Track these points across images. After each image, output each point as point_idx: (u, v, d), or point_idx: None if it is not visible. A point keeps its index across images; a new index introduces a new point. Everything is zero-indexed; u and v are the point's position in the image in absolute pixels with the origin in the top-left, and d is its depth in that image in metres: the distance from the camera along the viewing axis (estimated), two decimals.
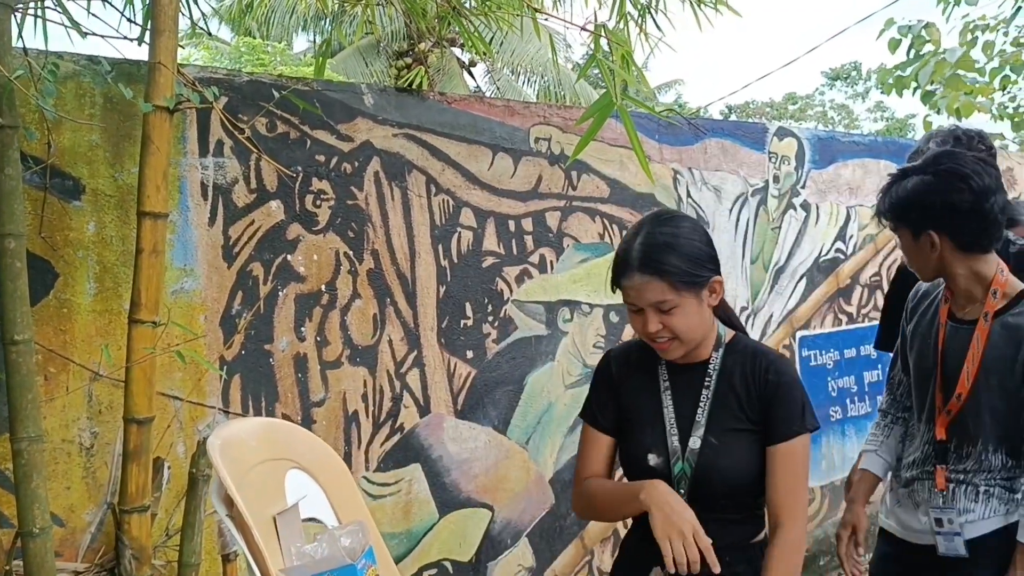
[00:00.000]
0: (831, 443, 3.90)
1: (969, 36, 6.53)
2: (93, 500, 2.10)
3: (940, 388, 1.92)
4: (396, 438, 2.61)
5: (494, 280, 2.82)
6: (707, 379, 1.60)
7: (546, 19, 2.83)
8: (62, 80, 2.01)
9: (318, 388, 2.46)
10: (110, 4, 2.07)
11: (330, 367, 2.48)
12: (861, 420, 3.99)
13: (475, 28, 2.87)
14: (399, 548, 2.61)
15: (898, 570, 2.04)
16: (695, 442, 1.57)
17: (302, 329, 2.42)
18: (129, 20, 2.11)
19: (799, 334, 3.79)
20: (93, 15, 2.00)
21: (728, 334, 1.65)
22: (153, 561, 1.97)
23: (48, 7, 1.90)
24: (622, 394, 1.67)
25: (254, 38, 12.15)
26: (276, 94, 2.33)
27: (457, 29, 2.85)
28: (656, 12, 2.49)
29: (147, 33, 1.94)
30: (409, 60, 11.65)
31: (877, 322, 2.66)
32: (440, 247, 2.70)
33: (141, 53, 1.96)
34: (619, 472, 1.73)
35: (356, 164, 2.52)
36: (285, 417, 2.38)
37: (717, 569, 1.45)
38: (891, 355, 2.41)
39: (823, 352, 3.90)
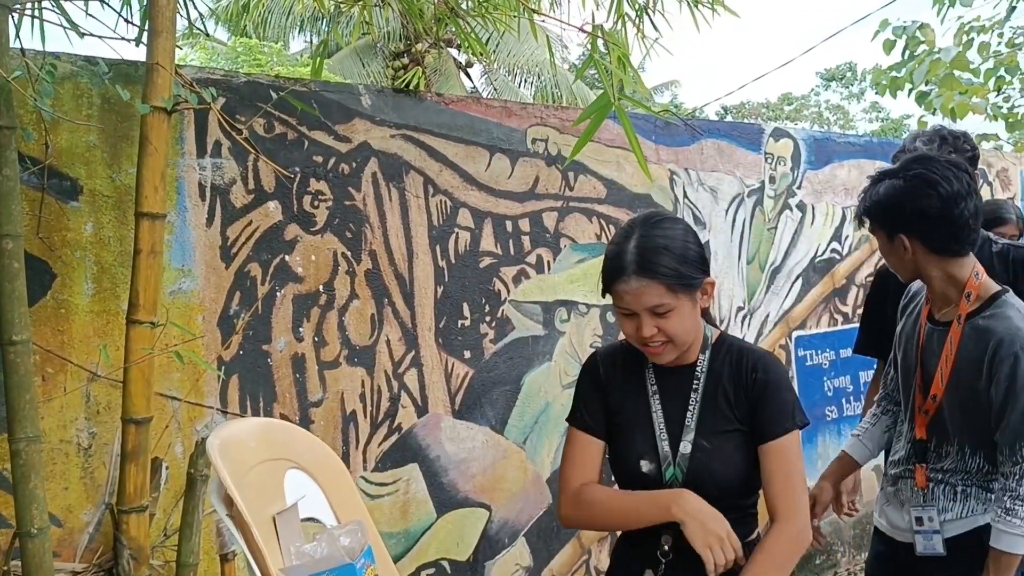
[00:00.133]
0: (827, 443, 3.91)
1: (964, 38, 6.56)
2: (91, 500, 2.10)
3: (920, 388, 1.96)
4: (394, 438, 2.62)
5: (491, 280, 2.82)
6: (695, 381, 1.58)
7: (543, 20, 2.83)
8: (60, 81, 2.01)
9: (316, 388, 2.46)
10: (108, 5, 2.07)
11: (328, 367, 2.48)
12: (857, 420, 3.97)
13: (472, 29, 2.88)
14: (397, 548, 2.61)
15: (890, 568, 2.06)
16: (685, 446, 1.55)
17: (300, 329, 2.43)
18: (127, 21, 2.11)
19: (795, 334, 3.81)
20: (91, 16, 2.00)
21: (714, 334, 1.63)
22: (151, 561, 1.97)
23: (45, 7, 1.90)
24: (610, 397, 1.64)
25: (250, 39, 12.14)
26: (274, 95, 2.33)
27: (454, 30, 2.85)
28: (653, 12, 2.50)
29: (145, 34, 1.95)
30: (406, 61, 11.65)
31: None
32: (438, 247, 2.70)
33: (139, 54, 1.97)
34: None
35: (354, 165, 2.53)
36: (283, 417, 2.38)
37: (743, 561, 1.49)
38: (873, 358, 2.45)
39: (819, 352, 3.91)
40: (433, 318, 2.69)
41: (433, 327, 2.69)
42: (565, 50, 15.16)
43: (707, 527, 1.46)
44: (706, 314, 1.66)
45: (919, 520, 1.93)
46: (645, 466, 1.57)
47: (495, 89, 13.64)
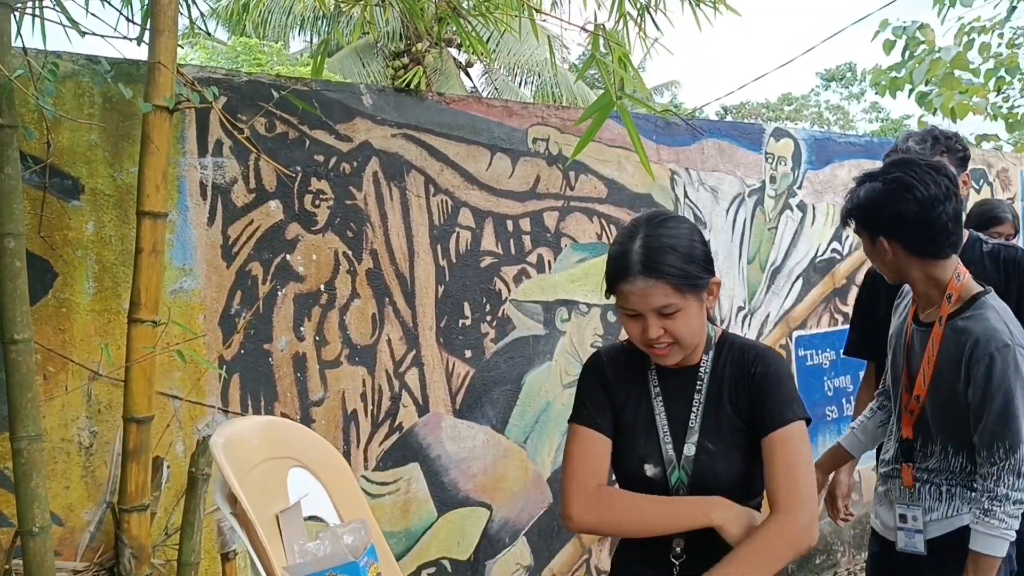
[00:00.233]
0: (828, 442, 3.91)
1: (965, 38, 6.56)
2: (92, 499, 2.10)
3: (906, 388, 1.97)
4: (395, 437, 2.62)
5: (492, 280, 2.82)
6: (699, 382, 1.55)
7: (544, 20, 2.83)
8: (61, 80, 2.01)
9: (317, 387, 2.46)
10: (109, 4, 2.07)
11: (329, 366, 2.48)
12: None
13: (473, 28, 2.88)
14: (398, 547, 2.61)
15: (884, 569, 2.08)
16: (690, 449, 1.52)
17: (301, 329, 2.43)
18: (128, 20, 2.11)
19: (795, 334, 3.81)
20: (92, 14, 2.00)
21: (716, 333, 1.60)
22: (152, 560, 1.98)
23: (47, 6, 1.90)
24: (614, 397, 1.60)
25: (250, 38, 12.14)
26: (275, 94, 2.33)
27: (455, 29, 2.86)
28: (655, 11, 2.50)
29: (146, 33, 1.95)
30: (406, 61, 11.64)
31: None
32: (439, 247, 2.70)
33: (140, 53, 1.97)
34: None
35: (355, 164, 2.53)
36: (284, 416, 2.38)
37: None
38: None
39: (819, 352, 3.92)
40: (434, 317, 2.70)
41: (434, 326, 2.70)
42: (565, 50, 15.15)
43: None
44: (707, 314, 1.63)
45: (903, 518, 1.95)
46: (649, 470, 1.54)
47: (496, 89, 13.64)
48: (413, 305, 2.65)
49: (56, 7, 1.88)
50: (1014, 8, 6.43)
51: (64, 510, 2.06)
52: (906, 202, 1.80)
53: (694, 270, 1.45)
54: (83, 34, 1.94)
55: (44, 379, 2.01)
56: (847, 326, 4.14)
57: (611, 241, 1.57)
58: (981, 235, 2.34)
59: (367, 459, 2.56)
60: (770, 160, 3.67)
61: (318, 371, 2.46)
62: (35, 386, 1.76)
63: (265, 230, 2.37)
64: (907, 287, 2.09)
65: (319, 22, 12.24)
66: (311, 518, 1.33)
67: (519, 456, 2.90)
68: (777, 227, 3.71)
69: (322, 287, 2.47)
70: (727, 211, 3.52)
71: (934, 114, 6.52)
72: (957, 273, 1.86)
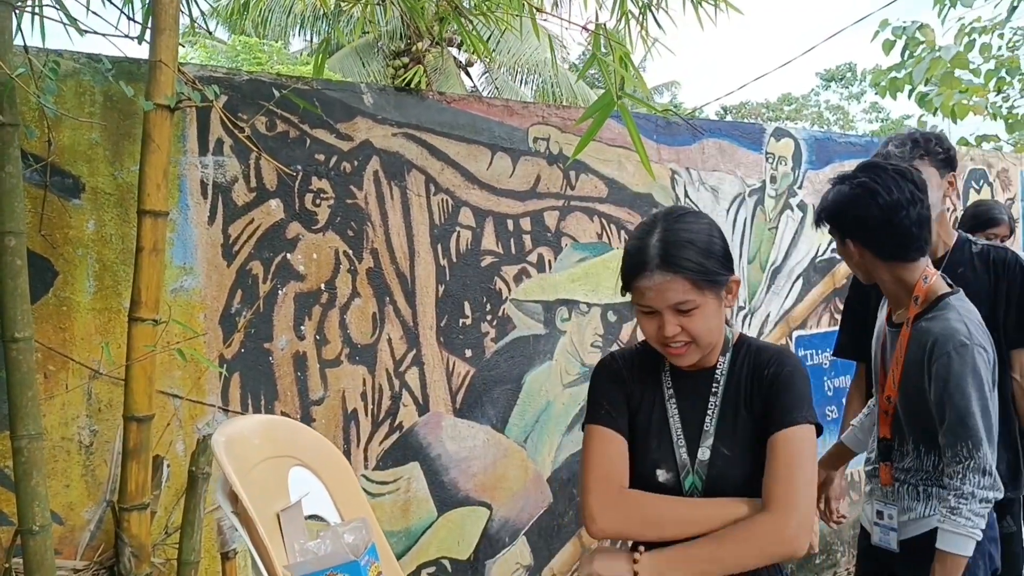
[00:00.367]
0: (827, 442, 3.89)
1: (966, 39, 6.56)
2: (93, 498, 2.10)
3: (882, 389, 2.00)
4: (395, 436, 2.62)
5: (493, 279, 2.82)
6: (715, 384, 1.50)
7: (545, 19, 2.83)
8: (62, 78, 2.01)
9: (317, 386, 2.46)
10: (111, 2, 2.07)
11: (329, 366, 2.48)
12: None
13: (474, 27, 2.87)
14: (398, 546, 2.61)
15: (865, 562, 2.11)
16: (704, 452, 1.47)
17: (301, 328, 2.43)
18: (129, 18, 2.11)
19: (795, 334, 3.81)
20: (94, 13, 2.00)
21: (734, 335, 1.55)
22: (152, 559, 1.98)
23: (46, 4, 1.90)
24: (630, 399, 1.54)
25: (250, 37, 12.13)
26: (276, 93, 2.33)
27: (456, 28, 2.85)
28: (657, 10, 2.49)
29: (147, 31, 1.95)
30: (406, 60, 11.64)
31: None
32: (439, 246, 2.70)
33: (141, 51, 1.97)
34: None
35: (355, 163, 2.53)
36: (284, 415, 2.38)
37: None
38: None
39: (819, 352, 3.91)
40: (434, 317, 2.69)
41: (434, 326, 2.69)
42: (564, 50, 15.15)
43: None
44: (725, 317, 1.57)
45: (879, 514, 1.98)
46: (661, 475, 1.48)
47: (496, 88, 13.63)
48: (413, 304, 2.65)
49: (56, 5, 1.88)
50: (1014, 8, 6.43)
51: (64, 509, 2.06)
52: (869, 207, 1.83)
53: (713, 266, 1.41)
54: (82, 32, 1.94)
55: (44, 378, 2.01)
56: None
57: (627, 237, 1.53)
58: (971, 236, 2.35)
59: (367, 458, 2.56)
60: (770, 160, 3.67)
61: (318, 370, 2.46)
62: (35, 384, 1.76)
63: (266, 229, 2.37)
64: None
65: (319, 21, 12.23)
66: (312, 517, 1.33)
67: (519, 456, 2.90)
68: (777, 227, 3.71)
69: (322, 286, 2.47)
70: (727, 211, 3.52)
71: (934, 114, 6.52)
72: (925, 275, 1.89)
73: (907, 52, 6.61)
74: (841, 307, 3.99)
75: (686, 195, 3.37)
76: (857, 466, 3.53)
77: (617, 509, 1.44)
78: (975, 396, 1.75)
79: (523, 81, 13.45)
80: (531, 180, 2.91)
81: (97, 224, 2.09)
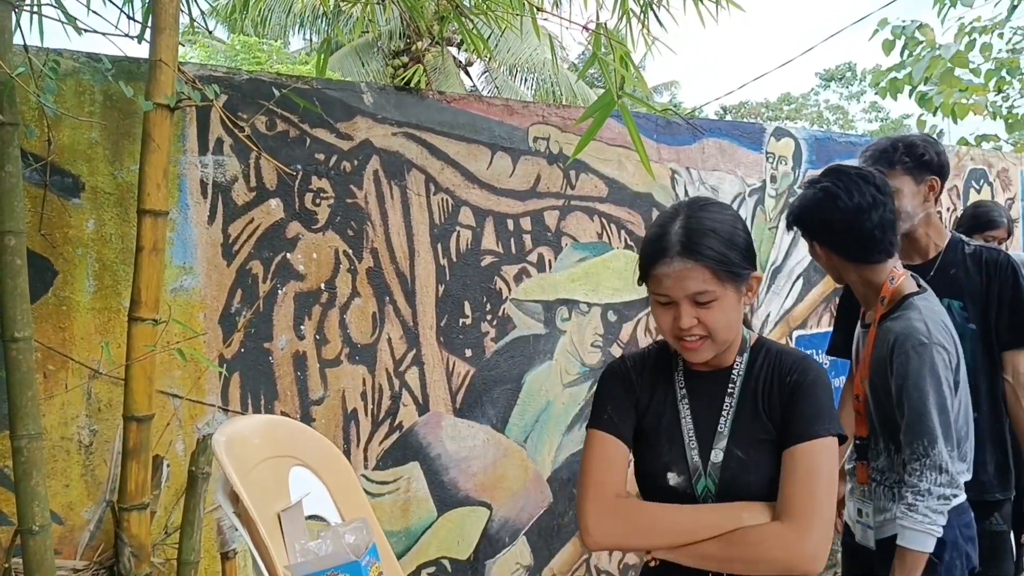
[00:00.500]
0: None
1: (966, 39, 6.55)
2: (92, 498, 2.09)
3: (857, 388, 2.03)
4: (395, 436, 2.62)
5: (493, 279, 2.82)
6: (731, 385, 1.44)
7: (545, 18, 2.83)
8: (62, 77, 2.01)
9: (317, 386, 2.46)
10: (111, 2, 2.06)
11: (329, 365, 2.48)
12: None
13: (474, 26, 2.87)
14: (398, 546, 2.61)
15: (854, 564, 2.13)
16: (717, 455, 1.41)
17: (301, 327, 2.42)
18: (129, 17, 2.11)
19: (795, 333, 3.81)
20: (94, 12, 2.00)
21: (752, 337, 1.49)
22: (152, 559, 1.97)
23: (46, 3, 1.89)
24: (638, 402, 1.49)
25: (249, 37, 12.12)
26: (276, 92, 2.33)
27: (456, 28, 2.85)
28: (658, 8, 2.49)
29: (147, 30, 1.94)
30: (406, 59, 11.64)
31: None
32: (439, 246, 2.70)
33: (141, 51, 1.97)
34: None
35: (355, 163, 2.52)
36: (284, 415, 2.38)
37: None
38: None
39: (819, 351, 3.91)
40: (434, 316, 2.69)
41: (434, 325, 2.69)
42: (563, 50, 15.16)
43: None
44: (744, 318, 1.52)
45: (859, 512, 2.02)
46: (672, 479, 1.43)
47: (496, 87, 13.62)
48: (413, 304, 2.65)
49: (55, 4, 1.88)
50: (1014, 7, 6.42)
51: (64, 508, 2.05)
52: (830, 211, 1.87)
53: (735, 257, 1.36)
54: (81, 32, 1.94)
55: (44, 377, 2.00)
56: None
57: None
58: (964, 237, 2.35)
59: (367, 458, 2.56)
60: (771, 159, 3.67)
61: (318, 370, 2.46)
62: (35, 384, 1.76)
63: (265, 228, 2.36)
64: None
65: (319, 20, 12.22)
66: (313, 517, 1.33)
67: (519, 455, 2.90)
68: (778, 227, 3.71)
69: (322, 286, 2.46)
70: None
71: (934, 114, 6.52)
72: (892, 276, 1.92)
73: (906, 52, 6.60)
74: None
75: (686, 195, 3.36)
76: None
77: (612, 519, 1.39)
78: (932, 394, 1.77)
79: (523, 80, 13.44)
80: (531, 180, 2.91)
81: (97, 223, 2.09)
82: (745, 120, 12.35)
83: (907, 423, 1.79)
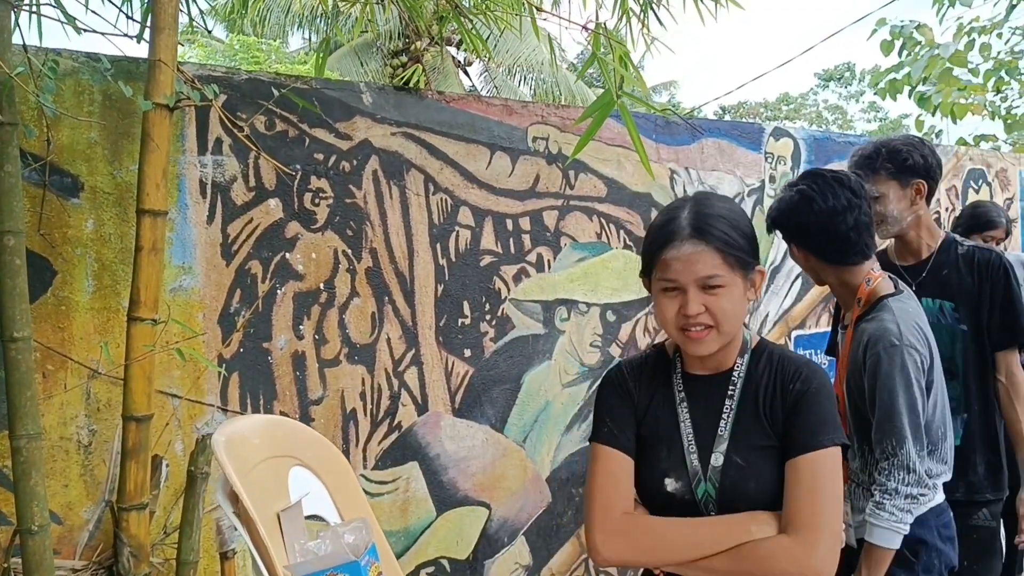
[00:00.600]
0: None
1: (965, 38, 6.56)
2: (91, 498, 2.09)
3: (836, 389, 2.05)
4: (394, 436, 2.62)
5: (492, 279, 2.82)
6: (731, 388, 1.42)
7: (544, 18, 2.83)
8: (61, 77, 2.01)
9: (316, 386, 2.46)
10: (110, 1, 2.06)
11: (328, 365, 2.48)
12: None
13: (473, 26, 2.87)
14: (396, 546, 2.61)
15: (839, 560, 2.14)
16: (717, 459, 1.39)
17: (300, 327, 2.42)
18: (128, 17, 2.11)
19: (794, 333, 3.81)
20: (93, 12, 2.00)
21: (753, 339, 1.47)
22: (151, 559, 1.97)
23: (45, 3, 1.89)
24: (636, 409, 1.47)
25: (248, 36, 12.12)
26: (275, 92, 2.33)
27: (455, 27, 2.85)
28: (658, 7, 2.49)
29: (147, 30, 1.94)
30: (404, 59, 11.64)
31: None
32: (438, 246, 2.70)
33: (140, 51, 1.97)
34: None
35: (355, 163, 2.52)
36: (283, 415, 2.38)
37: None
38: None
39: (818, 352, 3.91)
40: (433, 316, 2.69)
41: (433, 325, 2.69)
42: (562, 51, 15.17)
43: None
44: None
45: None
46: (670, 484, 1.41)
47: (495, 87, 13.63)
48: (412, 304, 2.65)
49: (54, 4, 1.88)
50: (1013, 7, 6.43)
51: (63, 508, 2.05)
52: (805, 214, 1.90)
53: (744, 244, 1.36)
54: (79, 31, 1.94)
55: (43, 377, 2.00)
56: None
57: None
58: (957, 237, 2.35)
59: (366, 458, 2.56)
60: (769, 159, 3.68)
61: (317, 370, 2.46)
62: (34, 384, 1.76)
63: (265, 228, 2.36)
64: None
65: (317, 20, 12.22)
66: (312, 517, 1.33)
67: (518, 455, 2.90)
68: None
69: (321, 286, 2.46)
70: None
71: (933, 114, 6.52)
72: (868, 277, 1.94)
73: (905, 52, 6.61)
74: None
75: (685, 195, 3.36)
76: None
77: (620, 539, 1.37)
78: (902, 395, 1.79)
79: (522, 80, 13.45)
80: (530, 180, 2.91)
81: (96, 223, 2.09)
82: (744, 120, 12.37)
83: (877, 423, 1.82)
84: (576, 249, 3.03)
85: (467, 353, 2.77)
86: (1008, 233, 3.53)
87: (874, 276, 1.94)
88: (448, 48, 12.68)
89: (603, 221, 3.10)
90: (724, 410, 1.42)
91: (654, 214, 3.14)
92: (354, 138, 2.52)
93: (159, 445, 2.13)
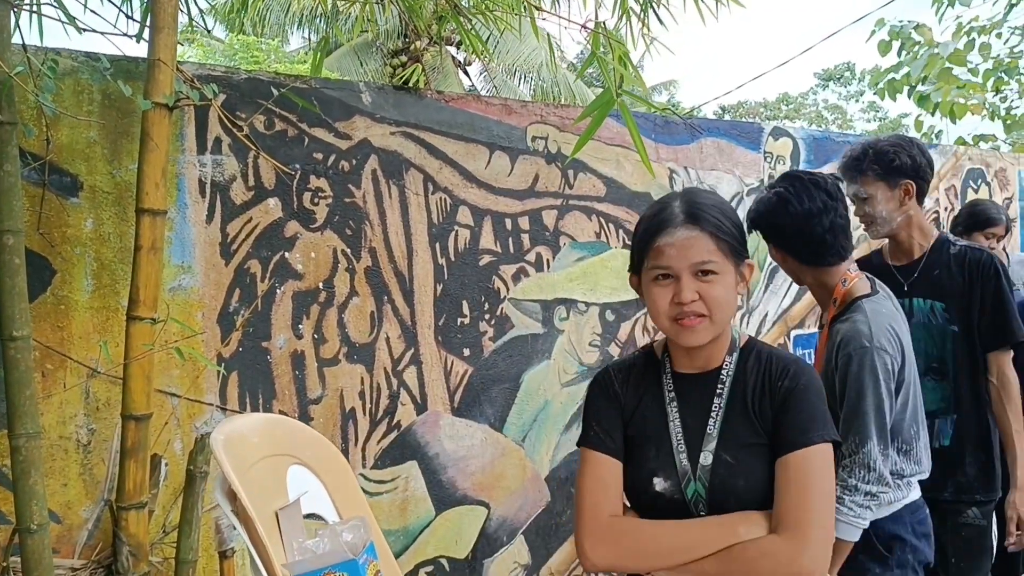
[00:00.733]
0: None
1: (965, 38, 6.57)
2: (90, 497, 2.10)
3: None
4: (393, 435, 2.62)
5: (491, 278, 2.82)
6: (719, 386, 1.41)
7: (544, 18, 2.83)
8: (60, 77, 2.01)
9: (315, 385, 2.46)
10: (109, 1, 2.06)
11: (327, 364, 2.48)
12: None
13: (472, 26, 2.88)
14: (395, 545, 2.61)
15: None
16: (706, 457, 1.37)
17: (300, 327, 2.43)
18: (128, 16, 2.11)
19: (793, 333, 3.81)
20: (92, 11, 2.00)
21: (741, 337, 1.47)
22: (150, 558, 1.98)
23: (44, 3, 1.90)
24: (624, 410, 1.46)
25: (248, 36, 12.12)
26: (274, 92, 2.33)
27: (454, 27, 2.86)
28: (658, 6, 2.50)
29: (146, 30, 1.94)
30: (404, 59, 11.64)
31: None
32: (437, 245, 2.70)
33: (140, 50, 1.97)
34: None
35: (354, 162, 2.53)
36: (282, 414, 2.38)
37: None
38: None
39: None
40: (432, 316, 2.69)
41: (432, 325, 2.69)
42: (561, 52, 15.16)
43: None
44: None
45: None
46: (659, 484, 1.39)
47: (495, 87, 13.63)
48: (412, 303, 2.65)
49: (54, 3, 1.88)
50: (1012, 7, 6.43)
51: (62, 507, 2.05)
52: (783, 216, 1.92)
53: (736, 232, 1.38)
54: (80, 31, 1.94)
55: (42, 376, 2.01)
56: None
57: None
58: (951, 236, 2.35)
59: (365, 457, 2.56)
60: (769, 159, 3.68)
61: (316, 369, 2.46)
62: (33, 383, 1.76)
63: (264, 228, 2.36)
64: None
65: (317, 19, 12.22)
66: (310, 516, 1.33)
67: (517, 455, 2.90)
68: None
69: (321, 285, 2.47)
70: None
71: (932, 113, 6.53)
72: (844, 278, 1.96)
73: (904, 52, 6.62)
74: None
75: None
76: None
77: (608, 544, 1.36)
78: (870, 395, 1.81)
79: (521, 80, 13.45)
80: (529, 179, 2.91)
81: (95, 223, 2.09)
82: (743, 120, 12.37)
83: (843, 420, 1.84)
84: (575, 248, 3.04)
85: (466, 352, 2.77)
86: (1008, 231, 3.53)
87: (850, 277, 1.96)
88: (448, 48, 12.68)
89: (602, 220, 3.11)
90: (713, 409, 1.41)
91: None
92: (353, 137, 2.52)
93: (158, 444, 2.13)
